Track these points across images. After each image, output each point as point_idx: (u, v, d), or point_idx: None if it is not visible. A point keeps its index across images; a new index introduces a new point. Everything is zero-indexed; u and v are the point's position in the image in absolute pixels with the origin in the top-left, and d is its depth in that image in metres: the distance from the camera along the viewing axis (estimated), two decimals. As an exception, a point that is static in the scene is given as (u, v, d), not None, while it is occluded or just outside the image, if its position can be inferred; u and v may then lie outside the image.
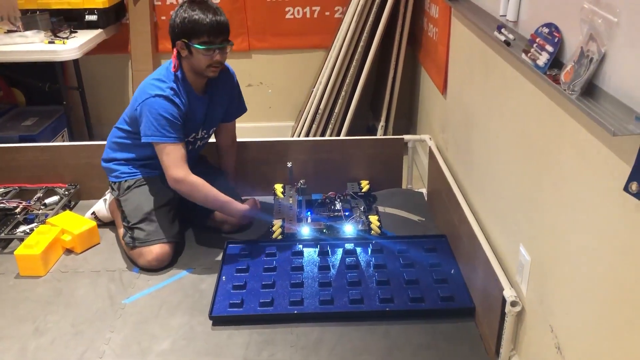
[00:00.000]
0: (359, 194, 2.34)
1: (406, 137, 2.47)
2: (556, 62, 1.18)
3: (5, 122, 2.98)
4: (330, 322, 1.71)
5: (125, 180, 2.08)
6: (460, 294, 1.78)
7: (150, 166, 2.08)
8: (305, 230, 2.11)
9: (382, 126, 2.96)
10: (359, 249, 2.02)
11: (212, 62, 1.89)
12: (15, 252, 1.96)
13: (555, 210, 1.26)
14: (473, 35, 1.85)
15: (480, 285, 1.69)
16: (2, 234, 2.13)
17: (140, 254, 1.97)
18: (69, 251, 2.09)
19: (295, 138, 2.96)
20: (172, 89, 1.90)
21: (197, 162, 2.20)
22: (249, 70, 3.23)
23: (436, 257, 1.96)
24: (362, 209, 2.24)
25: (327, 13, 3.12)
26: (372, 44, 2.81)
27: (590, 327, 1.13)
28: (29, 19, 2.79)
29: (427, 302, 1.76)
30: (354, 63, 2.85)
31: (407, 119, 3.23)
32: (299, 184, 2.26)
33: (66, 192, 2.39)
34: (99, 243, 2.14)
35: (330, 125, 2.96)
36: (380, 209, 2.30)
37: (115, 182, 2.10)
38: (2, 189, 2.38)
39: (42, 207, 2.32)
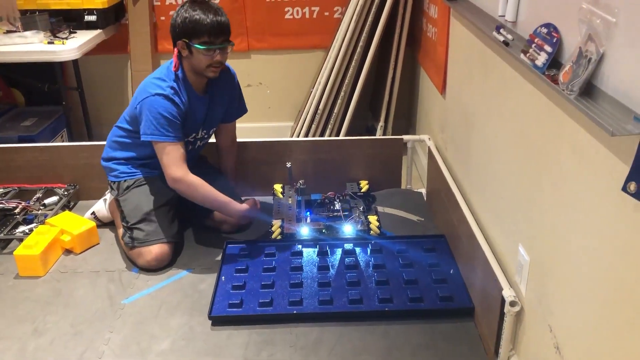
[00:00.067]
0: (358, 194, 2.34)
1: (405, 137, 2.47)
2: (555, 63, 1.19)
3: (4, 123, 2.98)
4: (329, 322, 1.72)
5: (125, 180, 2.08)
6: (460, 294, 1.78)
7: (150, 166, 2.08)
8: (305, 231, 2.11)
9: (381, 126, 2.96)
10: (358, 249, 2.02)
11: (212, 62, 1.90)
12: (14, 253, 1.96)
13: (554, 210, 1.26)
14: (472, 35, 1.86)
15: (480, 285, 1.69)
16: (2, 234, 2.13)
17: (139, 254, 1.97)
18: (68, 251, 2.09)
19: (294, 138, 2.96)
20: (172, 88, 1.90)
21: (197, 162, 2.20)
22: (248, 70, 3.23)
23: (435, 257, 1.96)
24: (361, 209, 2.24)
25: (327, 13, 3.12)
26: (371, 44, 2.81)
27: (589, 327, 1.13)
28: (28, 20, 2.79)
29: (426, 302, 1.76)
30: (353, 63, 2.85)
31: (407, 119, 3.23)
32: (298, 184, 2.26)
33: (65, 193, 2.39)
34: (99, 243, 2.14)
35: (329, 126, 2.96)
36: (380, 209, 2.30)
37: (114, 182, 2.10)
38: (2, 190, 2.38)
39: (41, 207, 2.32)
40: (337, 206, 2.26)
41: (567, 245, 1.20)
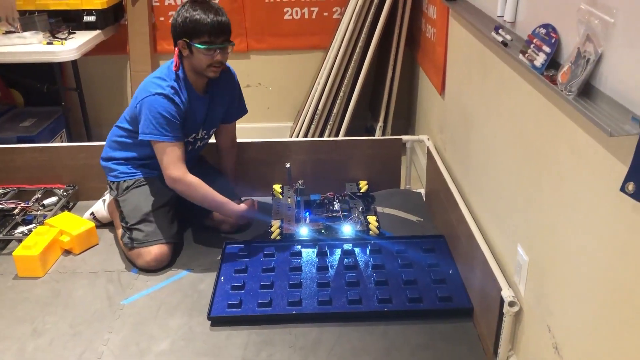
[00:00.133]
0: (358, 194, 2.34)
1: (404, 137, 2.47)
2: (553, 63, 1.19)
3: (3, 123, 2.98)
4: (328, 322, 1.72)
5: (124, 181, 2.08)
6: (459, 294, 1.79)
7: (149, 166, 2.08)
8: (304, 231, 2.11)
9: (380, 127, 2.96)
10: (357, 250, 2.02)
11: (212, 62, 1.90)
12: (13, 253, 1.96)
13: (552, 211, 1.26)
14: (471, 35, 1.86)
15: (478, 286, 1.69)
16: (1, 235, 2.13)
17: (138, 255, 1.97)
18: (67, 252, 2.09)
19: (293, 139, 2.96)
20: (172, 87, 1.90)
21: (197, 163, 2.20)
22: (248, 71, 3.23)
23: (434, 258, 1.96)
24: (360, 209, 2.24)
25: (326, 14, 3.12)
26: (370, 45, 2.81)
27: (587, 327, 1.13)
28: (27, 20, 2.79)
29: (425, 303, 1.76)
30: (352, 64, 2.86)
31: (406, 120, 3.23)
32: (298, 185, 2.26)
33: (65, 193, 2.39)
34: (98, 244, 2.14)
35: (328, 126, 2.96)
36: (379, 209, 2.30)
37: (113, 182, 2.10)
38: (1, 190, 2.38)
39: (40, 208, 2.32)
40: (337, 206, 2.26)
41: (566, 245, 1.20)
